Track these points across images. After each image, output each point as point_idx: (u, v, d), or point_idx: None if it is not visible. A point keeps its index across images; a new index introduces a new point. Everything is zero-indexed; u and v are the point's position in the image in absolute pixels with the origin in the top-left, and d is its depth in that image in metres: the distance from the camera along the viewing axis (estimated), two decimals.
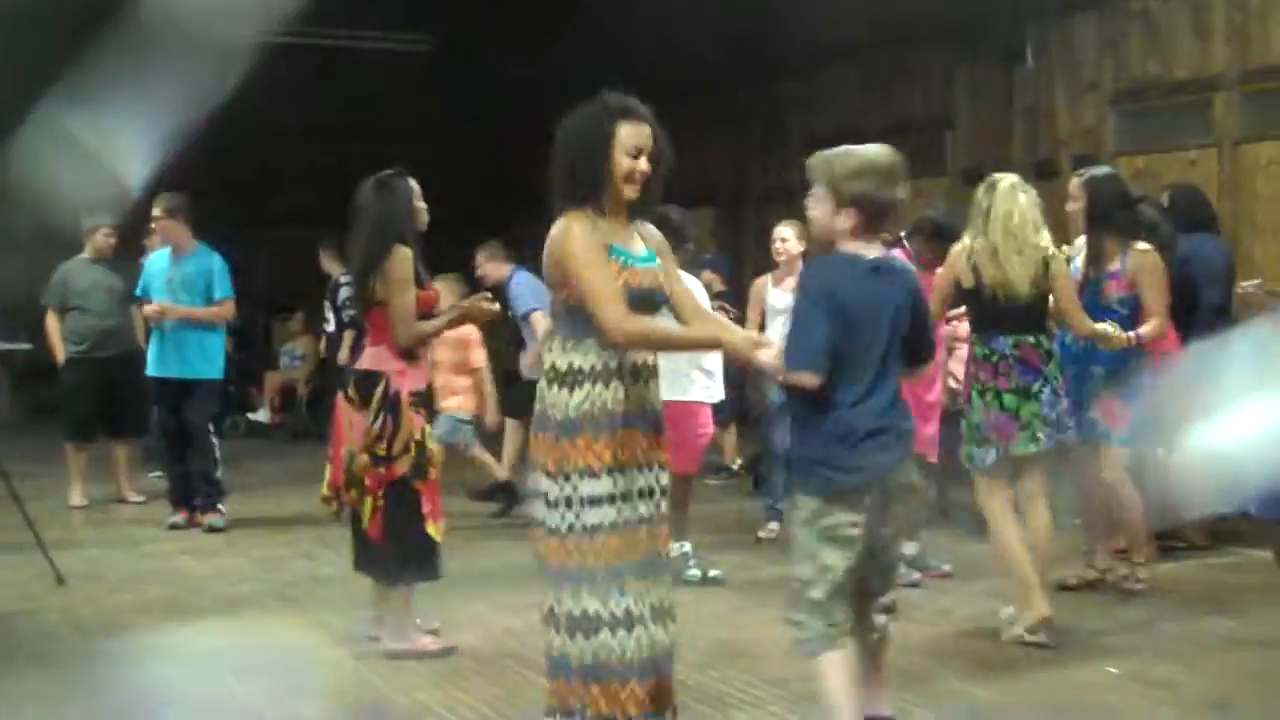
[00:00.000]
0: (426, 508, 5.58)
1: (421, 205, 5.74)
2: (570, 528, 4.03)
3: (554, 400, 4.08)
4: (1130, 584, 6.47)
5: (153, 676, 5.38)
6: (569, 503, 4.03)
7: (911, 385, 6.79)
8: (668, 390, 6.25)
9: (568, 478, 4.03)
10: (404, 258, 5.56)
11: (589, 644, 4.02)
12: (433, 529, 5.60)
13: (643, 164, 4.10)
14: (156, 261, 8.88)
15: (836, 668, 3.94)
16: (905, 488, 4.07)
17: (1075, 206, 6.44)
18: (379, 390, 5.53)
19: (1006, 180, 5.88)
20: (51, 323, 9.50)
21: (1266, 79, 10.00)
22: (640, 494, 4.11)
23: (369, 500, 5.55)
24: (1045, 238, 5.82)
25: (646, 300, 4.14)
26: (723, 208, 14.68)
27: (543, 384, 4.14)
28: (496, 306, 6.06)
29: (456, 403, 8.67)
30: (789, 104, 14.11)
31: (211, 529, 8.52)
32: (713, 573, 6.92)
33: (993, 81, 12.01)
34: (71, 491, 9.46)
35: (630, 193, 4.12)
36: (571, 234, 4.05)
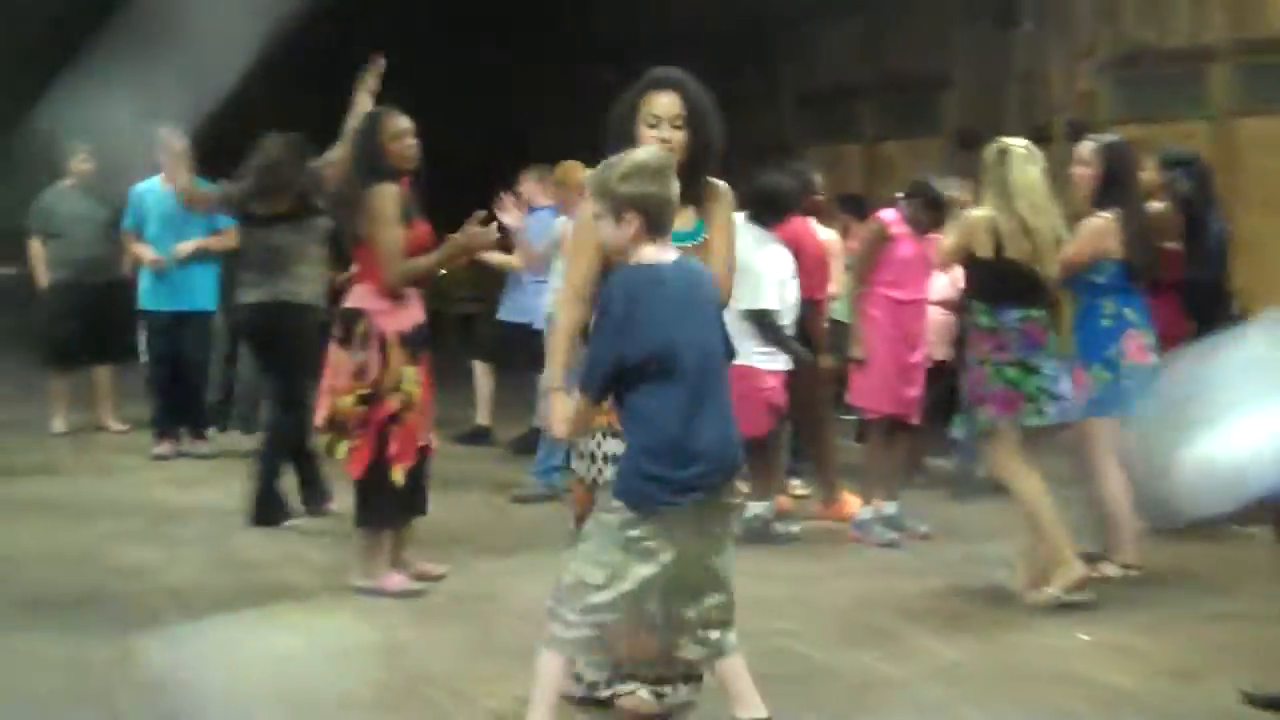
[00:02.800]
0: (393, 449, 5.53)
1: (410, 142, 5.66)
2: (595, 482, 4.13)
3: None
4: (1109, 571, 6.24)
5: (130, 605, 5.42)
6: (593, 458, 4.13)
7: (893, 346, 6.86)
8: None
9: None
10: (386, 194, 5.49)
11: None
12: (396, 472, 5.55)
13: (663, 132, 4.09)
14: (149, 194, 8.84)
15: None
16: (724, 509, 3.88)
17: (1086, 172, 6.37)
18: (359, 328, 5.50)
19: (1018, 149, 5.89)
20: (35, 249, 9.43)
21: (1262, 51, 9.99)
22: None
23: (345, 442, 5.52)
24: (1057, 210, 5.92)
25: None
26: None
27: None
28: (493, 232, 5.84)
29: None
30: (781, 58, 14.04)
31: (198, 456, 8.67)
32: (794, 528, 7.00)
33: (990, 44, 11.98)
34: (53, 419, 9.43)
35: None
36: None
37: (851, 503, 7.25)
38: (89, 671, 4.58)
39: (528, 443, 9.48)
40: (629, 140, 4.08)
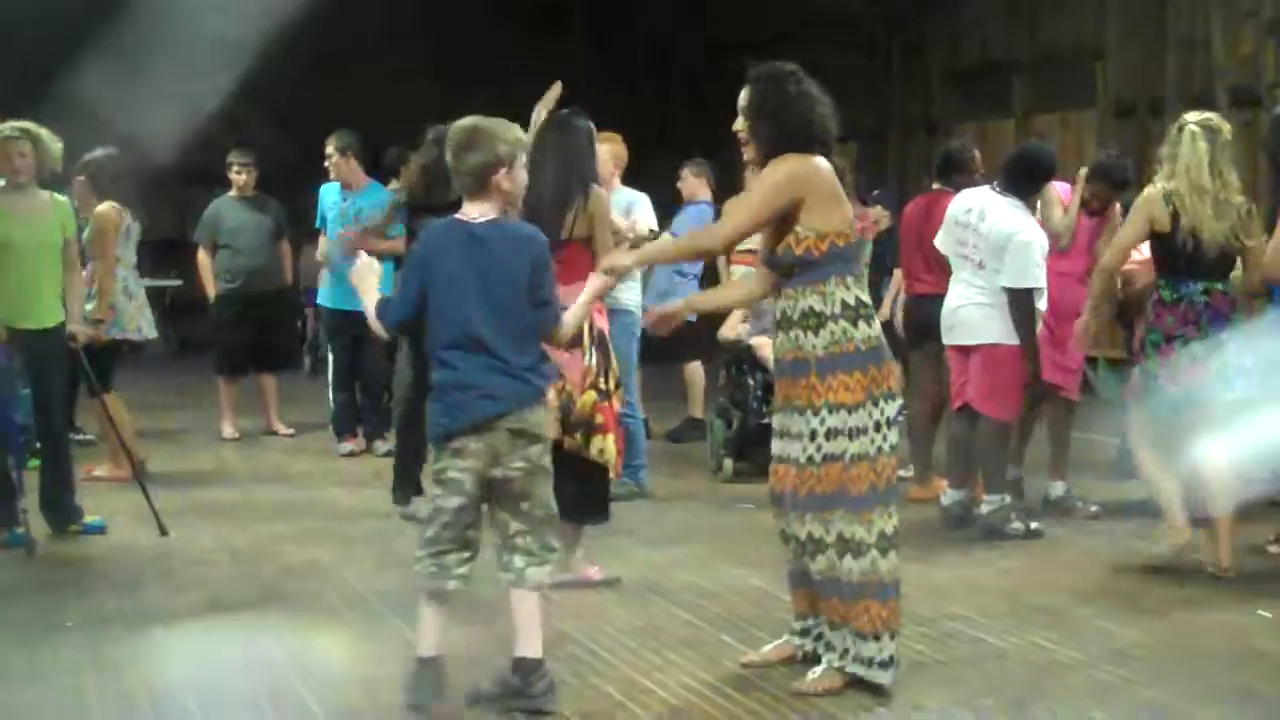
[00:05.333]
0: (621, 444, 5.75)
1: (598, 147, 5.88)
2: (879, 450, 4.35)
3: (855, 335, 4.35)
4: None
5: (309, 603, 5.56)
6: (878, 427, 4.34)
7: (1049, 316, 6.68)
8: (1000, 333, 6.41)
9: (876, 403, 4.35)
10: (604, 196, 5.69)
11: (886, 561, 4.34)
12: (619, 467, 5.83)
13: (737, 124, 4.53)
14: (327, 196, 9.13)
15: (432, 609, 4.29)
16: (517, 435, 4.19)
17: None
18: (585, 328, 5.39)
19: (1189, 126, 5.82)
20: (203, 260, 9.66)
21: None
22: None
23: (609, 437, 5.51)
24: (1230, 183, 5.77)
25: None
26: (864, 142, 14.48)
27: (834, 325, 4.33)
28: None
29: None
30: (931, 37, 13.82)
31: (387, 454, 8.65)
32: (1034, 525, 6.57)
33: (1145, 10, 11.64)
34: (223, 424, 9.69)
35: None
36: None
37: (940, 484, 7.13)
38: (270, 670, 4.71)
39: (683, 433, 9.51)
40: None
